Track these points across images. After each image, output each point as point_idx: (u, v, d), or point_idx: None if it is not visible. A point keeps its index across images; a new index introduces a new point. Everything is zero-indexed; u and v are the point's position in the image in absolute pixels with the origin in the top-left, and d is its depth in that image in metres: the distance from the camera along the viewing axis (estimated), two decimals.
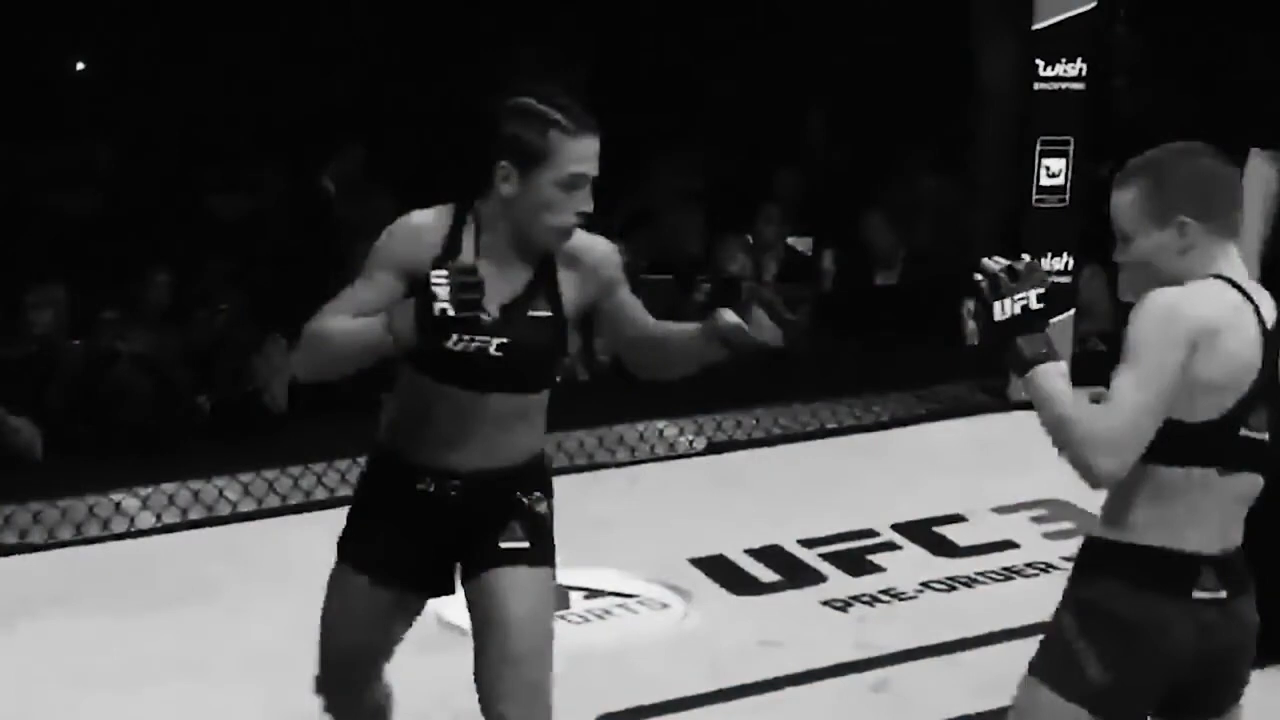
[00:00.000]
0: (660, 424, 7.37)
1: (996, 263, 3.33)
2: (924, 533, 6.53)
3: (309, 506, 6.54)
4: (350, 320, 3.65)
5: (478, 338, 3.66)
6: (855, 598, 6.03)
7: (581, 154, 3.64)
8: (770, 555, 6.29)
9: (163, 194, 9.45)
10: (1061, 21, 7.68)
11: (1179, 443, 3.21)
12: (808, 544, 6.38)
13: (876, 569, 6.25)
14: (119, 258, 8.54)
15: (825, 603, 5.99)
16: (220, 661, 5.31)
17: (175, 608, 5.68)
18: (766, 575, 6.18)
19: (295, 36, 10.79)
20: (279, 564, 5.83)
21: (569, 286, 3.77)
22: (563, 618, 5.41)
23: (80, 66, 11.14)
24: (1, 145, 9.51)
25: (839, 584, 6.13)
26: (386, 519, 3.84)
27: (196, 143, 9.97)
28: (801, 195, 10.30)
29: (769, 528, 6.44)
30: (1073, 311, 7.79)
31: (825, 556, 6.31)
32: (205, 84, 10.34)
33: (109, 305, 8.07)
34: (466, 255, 3.69)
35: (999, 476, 6.93)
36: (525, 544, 3.79)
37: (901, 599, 6.04)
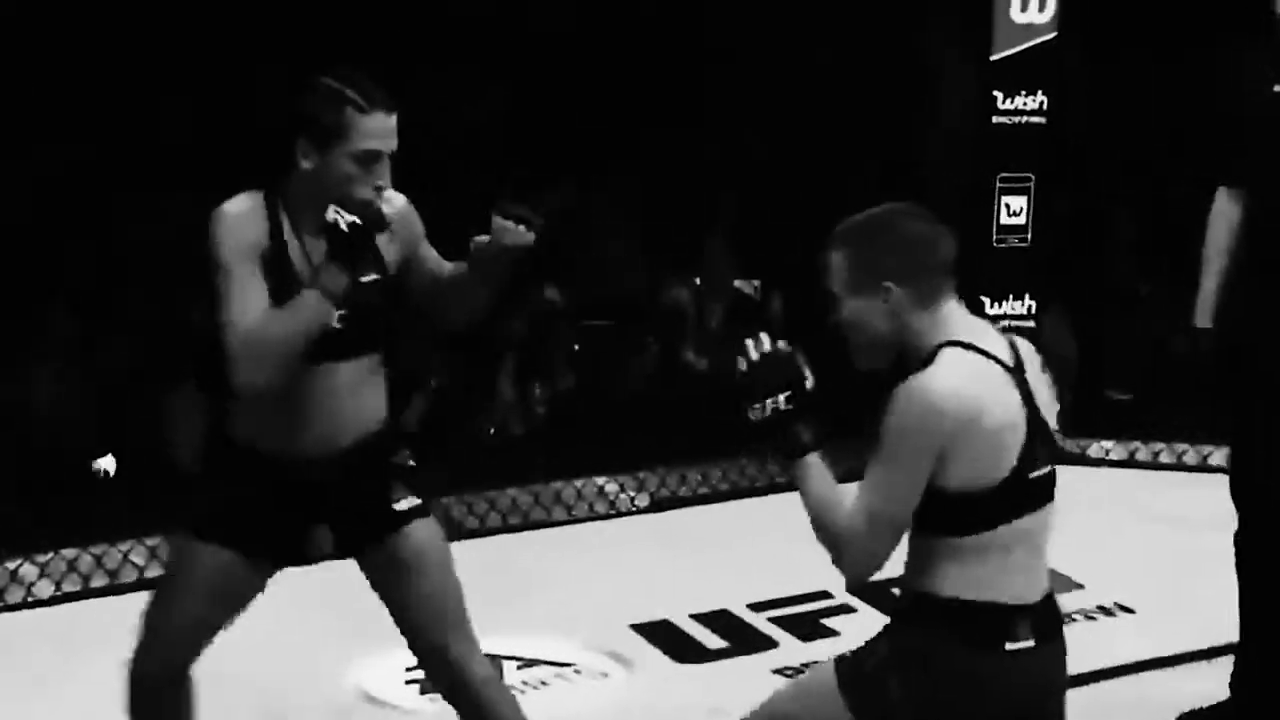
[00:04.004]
0: (600, 480, 7.38)
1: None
2: (881, 594, 6.25)
3: None
4: (275, 310, 3.79)
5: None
6: (808, 664, 5.79)
7: (376, 130, 3.83)
8: (717, 620, 6.21)
9: None
10: (1021, 52, 7.75)
11: (980, 510, 3.33)
12: (757, 608, 6.30)
13: (831, 633, 6.09)
14: None
15: (777, 670, 5.82)
16: None
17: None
18: (714, 641, 6.07)
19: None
20: None
21: (384, 248, 3.95)
22: None
23: None
24: None
25: (791, 650, 5.99)
26: (243, 500, 3.99)
27: None
28: (748, 234, 10.13)
29: (716, 591, 6.38)
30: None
31: (776, 621, 6.22)
32: None
33: None
34: (286, 233, 3.88)
35: None
36: (416, 500, 4.07)
37: None
